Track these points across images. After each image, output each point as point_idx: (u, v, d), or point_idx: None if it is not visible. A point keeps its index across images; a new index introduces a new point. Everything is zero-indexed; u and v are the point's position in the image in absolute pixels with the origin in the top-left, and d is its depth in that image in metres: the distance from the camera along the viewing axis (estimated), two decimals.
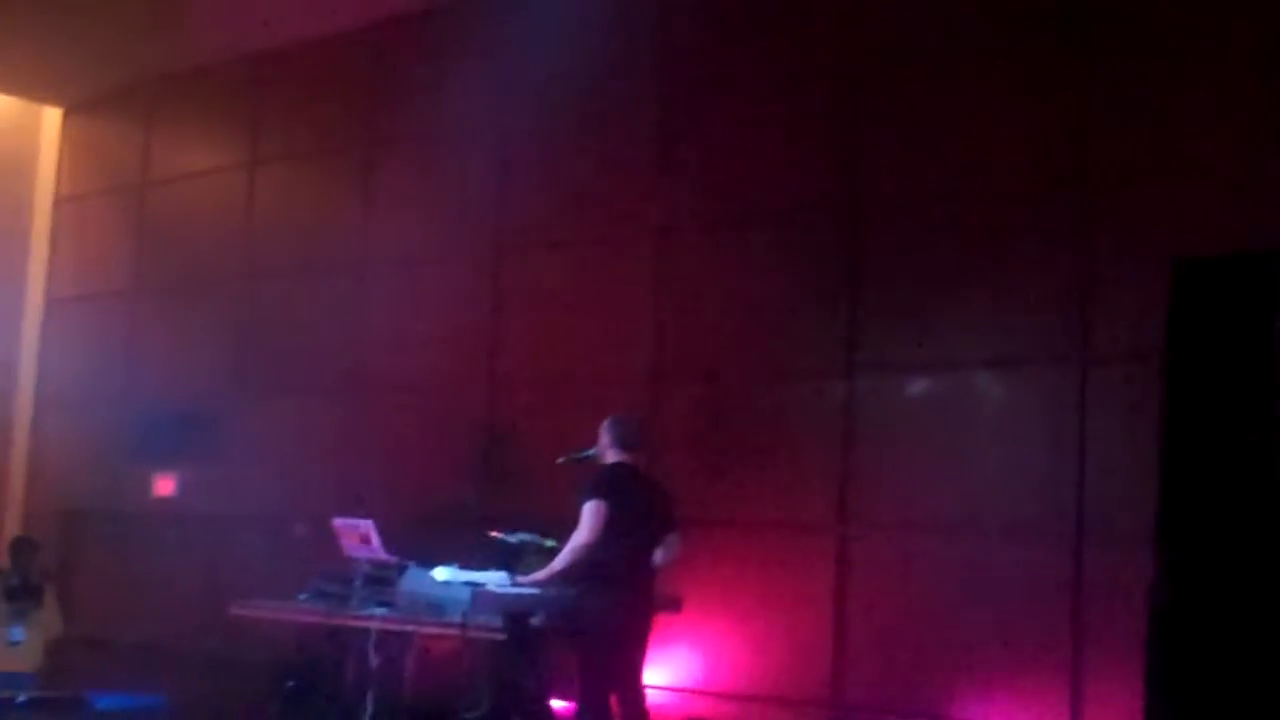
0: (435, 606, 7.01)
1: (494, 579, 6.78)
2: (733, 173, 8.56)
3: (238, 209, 11.51)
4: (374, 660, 7.32)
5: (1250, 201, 6.32)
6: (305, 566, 8.14)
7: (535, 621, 6.65)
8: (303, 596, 7.91)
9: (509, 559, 7.13)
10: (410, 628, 7.23)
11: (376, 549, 7.53)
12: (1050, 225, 7.24)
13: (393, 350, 10.05)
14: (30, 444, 12.73)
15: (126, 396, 11.85)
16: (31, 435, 12.75)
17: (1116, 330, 6.85)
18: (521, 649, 6.80)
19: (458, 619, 6.69)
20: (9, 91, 12.72)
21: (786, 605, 7.84)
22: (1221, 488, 4.72)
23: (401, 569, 7.43)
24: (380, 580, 7.44)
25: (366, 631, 7.33)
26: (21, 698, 7.96)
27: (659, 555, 6.67)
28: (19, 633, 8.62)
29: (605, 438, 6.82)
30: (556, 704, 7.49)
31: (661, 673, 7.88)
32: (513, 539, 7.31)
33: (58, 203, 13.05)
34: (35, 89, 12.73)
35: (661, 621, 6.92)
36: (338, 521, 7.67)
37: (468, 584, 6.71)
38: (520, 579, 6.76)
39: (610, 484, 6.57)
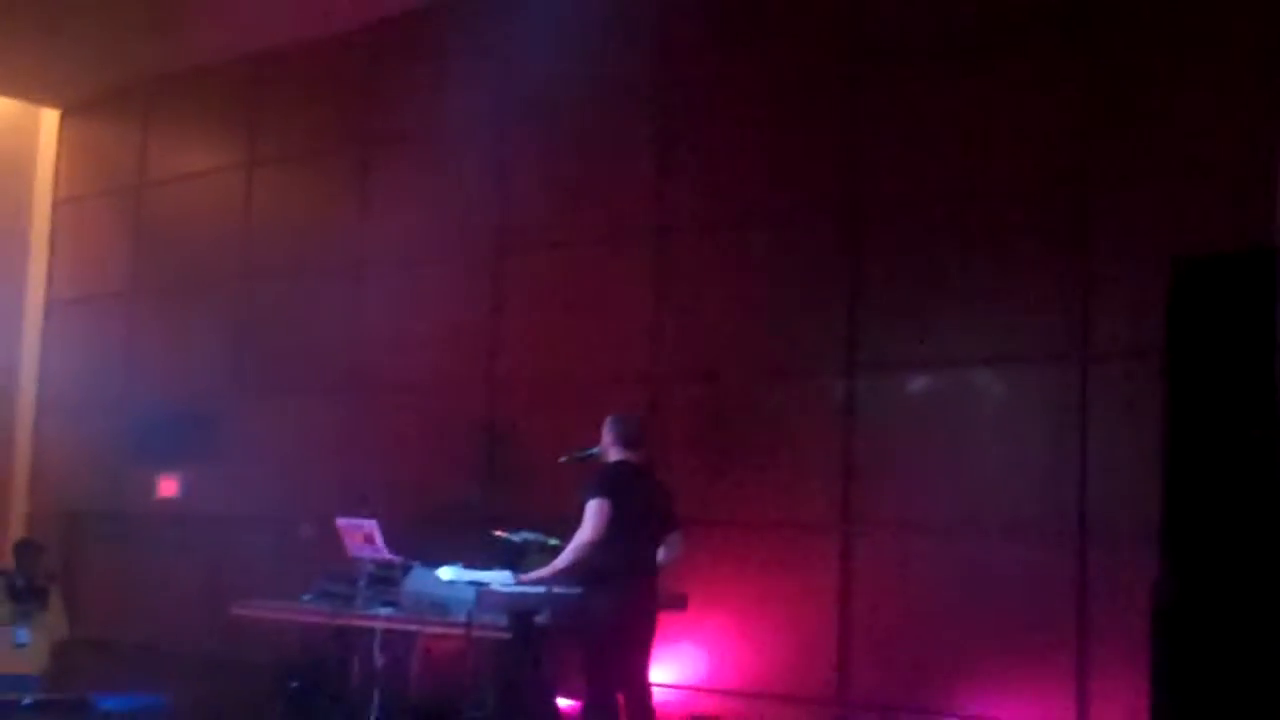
0: (440, 606, 7.04)
1: (498, 578, 6.80)
2: (733, 172, 8.56)
3: (235, 209, 11.50)
4: (379, 660, 7.35)
5: (1250, 201, 6.35)
6: (309, 567, 8.16)
7: (540, 620, 6.67)
8: (307, 597, 7.94)
9: (513, 558, 7.15)
10: (415, 627, 7.26)
11: (380, 549, 7.56)
12: (1050, 224, 7.26)
13: (392, 350, 10.04)
14: (32, 446, 12.72)
15: (126, 398, 11.84)
16: (33, 437, 12.73)
17: (1117, 327, 6.88)
18: (527, 648, 6.83)
19: (463, 618, 6.71)
20: (6, 93, 12.70)
21: (790, 603, 7.87)
22: (1224, 484, 4.75)
23: (406, 569, 7.46)
24: (384, 580, 7.47)
25: (371, 631, 7.37)
26: (27, 700, 7.99)
27: (661, 553, 6.71)
28: (24, 634, 8.64)
29: (607, 436, 6.85)
30: (563, 702, 7.52)
31: (667, 670, 7.91)
32: (516, 538, 7.34)
33: (56, 204, 13.04)
34: (33, 91, 12.72)
35: (666, 619, 6.95)
36: (341, 522, 7.69)
37: (472, 583, 6.74)
38: (524, 577, 6.80)
39: (613, 482, 6.61)
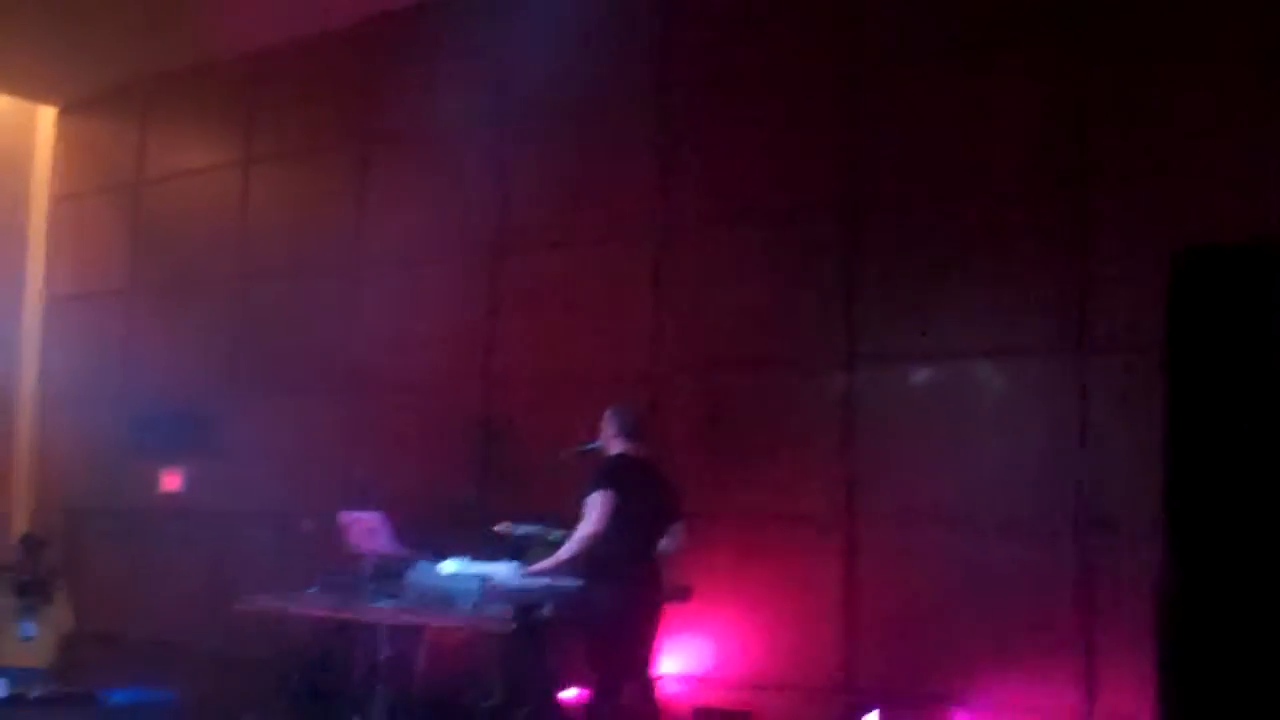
0: (444, 599, 7.06)
1: (502, 571, 6.85)
2: (733, 170, 8.60)
3: (233, 207, 11.53)
4: (384, 654, 7.39)
5: (1250, 198, 6.43)
6: (312, 561, 8.19)
7: (545, 613, 6.73)
8: (311, 591, 7.97)
9: (516, 551, 7.21)
10: (420, 620, 7.29)
11: (385, 542, 7.60)
12: (1050, 221, 7.32)
13: (391, 348, 10.05)
14: (34, 441, 12.71)
15: (127, 394, 11.86)
16: (35, 432, 12.72)
17: (1117, 320, 6.95)
18: (531, 640, 6.87)
19: (467, 611, 6.76)
20: (4, 90, 12.69)
21: (795, 594, 7.92)
22: (1226, 474, 4.80)
23: (410, 562, 7.50)
24: (388, 573, 7.50)
25: (376, 625, 7.40)
26: (34, 693, 8.03)
27: (664, 545, 6.78)
28: (30, 628, 8.68)
29: (608, 429, 6.92)
30: (569, 693, 7.57)
31: (673, 662, 7.96)
32: (518, 532, 7.39)
33: (54, 201, 13.04)
34: (30, 88, 12.71)
35: (671, 611, 7.01)
36: (345, 515, 7.72)
37: (476, 576, 6.79)
38: (528, 570, 6.85)
39: (615, 474, 6.67)
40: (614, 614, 6.55)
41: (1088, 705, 6.84)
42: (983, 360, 7.50)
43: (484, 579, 6.72)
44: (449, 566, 7.01)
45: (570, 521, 6.76)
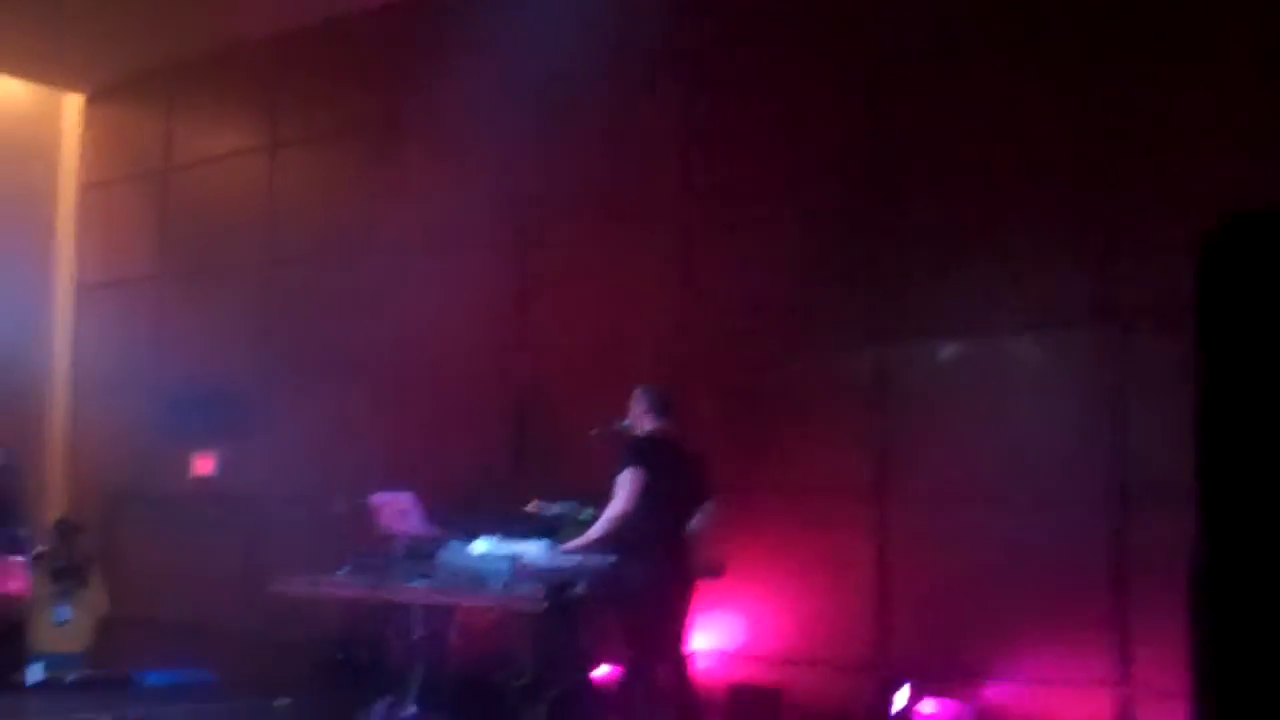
0: (476, 578, 7.08)
1: (534, 550, 6.86)
2: (760, 145, 8.55)
3: (260, 191, 11.56)
4: (416, 634, 7.43)
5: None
6: (344, 543, 8.22)
7: (577, 591, 6.74)
8: (343, 572, 8.00)
9: (548, 530, 7.22)
10: (451, 600, 7.32)
11: (416, 523, 7.63)
12: (1084, 190, 7.24)
13: (420, 331, 10.03)
14: (67, 428, 12.80)
15: (158, 380, 11.91)
16: (68, 420, 12.82)
17: (1152, 290, 6.86)
18: (564, 618, 6.89)
19: (499, 591, 6.78)
20: (30, 78, 12.75)
21: (828, 570, 7.88)
22: (1260, 446, 4.76)
23: (441, 542, 7.52)
24: (420, 554, 7.53)
25: (408, 606, 7.43)
26: (71, 677, 8.11)
27: (696, 522, 6.77)
28: (66, 612, 8.76)
29: (637, 407, 6.92)
30: (601, 671, 7.59)
31: (706, 638, 7.97)
32: (550, 511, 7.40)
33: (82, 189, 13.09)
34: (56, 76, 12.75)
35: (704, 587, 7.01)
36: (377, 496, 7.75)
37: (508, 556, 6.80)
38: (560, 548, 6.85)
39: (646, 452, 6.68)
40: (646, 591, 6.56)
41: (1122, 678, 6.80)
42: (1014, 335, 7.43)
43: (515, 558, 6.73)
44: (480, 546, 7.04)
45: (601, 501, 6.76)
